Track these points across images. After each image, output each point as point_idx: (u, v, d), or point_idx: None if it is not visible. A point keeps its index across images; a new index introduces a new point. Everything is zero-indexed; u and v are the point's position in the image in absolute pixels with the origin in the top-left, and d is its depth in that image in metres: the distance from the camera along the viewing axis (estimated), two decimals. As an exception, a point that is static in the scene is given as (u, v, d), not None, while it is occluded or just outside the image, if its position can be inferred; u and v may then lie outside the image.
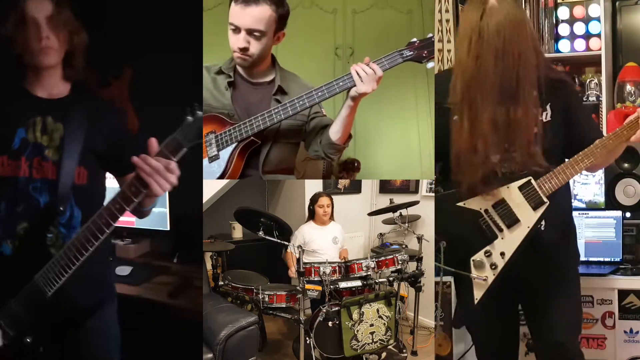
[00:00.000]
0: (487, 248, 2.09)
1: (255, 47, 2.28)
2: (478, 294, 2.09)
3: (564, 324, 2.15)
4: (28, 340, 1.86)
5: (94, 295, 2.07)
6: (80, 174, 1.99)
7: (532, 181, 2.06)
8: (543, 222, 2.08)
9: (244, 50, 2.28)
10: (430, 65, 2.20)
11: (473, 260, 2.09)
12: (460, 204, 2.12)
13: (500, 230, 2.08)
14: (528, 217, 2.06)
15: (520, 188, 2.07)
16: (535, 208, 2.06)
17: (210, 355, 2.65)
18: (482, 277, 2.08)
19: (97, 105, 2.09)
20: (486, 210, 2.10)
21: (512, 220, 2.07)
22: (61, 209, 1.94)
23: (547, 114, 2.08)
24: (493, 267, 2.07)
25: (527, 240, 2.06)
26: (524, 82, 2.01)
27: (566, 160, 2.10)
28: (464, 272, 2.10)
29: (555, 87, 2.08)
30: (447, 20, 3.23)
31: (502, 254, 2.07)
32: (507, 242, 2.07)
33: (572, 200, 2.58)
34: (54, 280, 1.84)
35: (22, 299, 1.85)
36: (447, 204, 2.15)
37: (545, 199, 2.05)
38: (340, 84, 2.18)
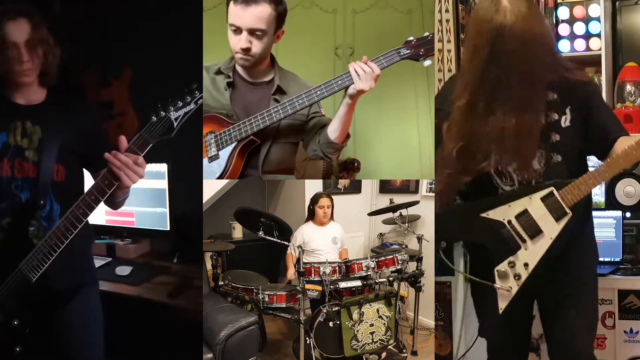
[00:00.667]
0: (511, 259, 2.05)
1: (257, 47, 2.28)
2: (502, 304, 2.06)
3: (576, 326, 2.12)
4: (15, 322, 1.99)
5: (75, 280, 2.22)
6: (59, 171, 2.15)
7: (555, 192, 2.00)
8: None
9: (246, 50, 2.28)
10: (427, 63, 2.20)
11: (497, 270, 2.06)
12: (484, 214, 2.08)
13: (524, 241, 2.04)
14: (551, 228, 2.01)
15: (543, 199, 2.01)
16: (557, 219, 2.00)
17: (210, 355, 2.64)
18: (507, 288, 2.05)
19: (73, 107, 2.25)
20: (509, 221, 2.05)
21: (535, 231, 2.03)
22: (41, 202, 2.10)
23: (566, 118, 2.02)
24: (517, 277, 2.04)
25: (550, 251, 2.02)
26: (534, 89, 1.94)
27: (587, 158, 2.07)
28: (488, 283, 2.07)
29: (573, 89, 2.01)
30: (447, 20, 3.23)
31: (526, 264, 2.03)
32: (531, 253, 2.03)
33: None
34: (37, 266, 1.99)
35: (8, 285, 2.00)
36: (469, 215, 2.12)
37: (568, 210, 1.99)
38: (339, 82, 2.19)
